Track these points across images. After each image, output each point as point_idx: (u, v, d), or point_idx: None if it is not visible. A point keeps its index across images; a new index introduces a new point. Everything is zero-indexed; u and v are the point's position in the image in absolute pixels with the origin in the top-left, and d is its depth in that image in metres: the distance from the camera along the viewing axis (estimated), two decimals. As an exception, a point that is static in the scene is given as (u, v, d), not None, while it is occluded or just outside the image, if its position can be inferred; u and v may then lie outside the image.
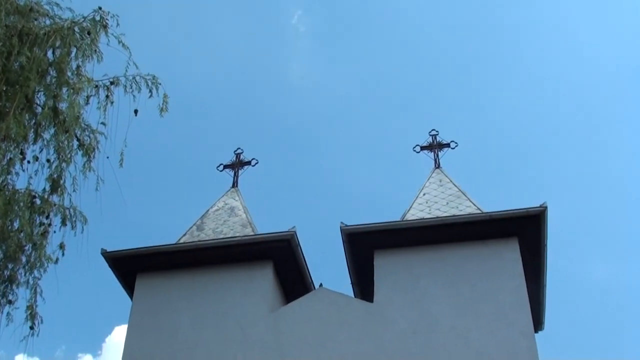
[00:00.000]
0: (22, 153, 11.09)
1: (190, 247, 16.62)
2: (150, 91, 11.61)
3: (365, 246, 15.90)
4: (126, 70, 11.54)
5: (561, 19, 44.99)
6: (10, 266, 11.46)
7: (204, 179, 37.08)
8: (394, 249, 15.79)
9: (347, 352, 14.60)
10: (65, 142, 11.17)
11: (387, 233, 15.85)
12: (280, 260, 16.25)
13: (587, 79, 44.40)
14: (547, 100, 44.53)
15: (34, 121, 11.01)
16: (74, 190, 11.55)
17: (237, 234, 16.96)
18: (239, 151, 19.68)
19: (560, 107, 44.02)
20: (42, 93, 11.04)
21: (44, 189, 11.35)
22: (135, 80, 11.59)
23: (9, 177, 11.00)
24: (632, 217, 40.17)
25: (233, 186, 19.24)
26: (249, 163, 19.52)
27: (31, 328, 11.46)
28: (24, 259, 11.53)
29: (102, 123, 11.45)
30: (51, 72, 10.98)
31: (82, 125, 11.49)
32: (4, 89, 10.32)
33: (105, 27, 11.42)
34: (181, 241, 17.21)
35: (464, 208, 16.53)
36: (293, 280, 16.71)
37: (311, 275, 16.94)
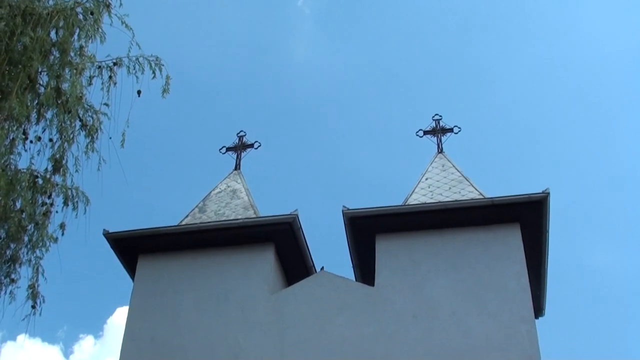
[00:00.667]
0: (24, 133, 11.09)
1: (192, 229, 16.64)
2: (154, 72, 11.59)
3: (367, 230, 15.91)
4: (129, 51, 11.53)
5: (565, 4, 44.86)
6: (12, 246, 11.49)
7: (207, 161, 37.11)
8: (395, 234, 15.80)
9: (347, 335, 14.64)
10: (68, 123, 11.17)
11: (389, 217, 15.86)
12: (281, 243, 16.28)
13: (591, 64, 44.27)
14: (552, 86, 44.49)
15: (36, 101, 11.00)
16: (76, 171, 11.57)
17: (239, 217, 16.97)
18: (241, 134, 19.66)
19: (565, 92, 43.96)
20: (44, 73, 11.02)
21: (46, 169, 11.37)
22: (139, 61, 11.58)
23: (11, 157, 11.02)
24: (635, 206, 40.19)
25: (235, 169, 19.24)
26: (251, 146, 19.51)
27: (33, 307, 11.51)
28: (26, 239, 11.56)
29: (105, 104, 11.47)
30: (54, 53, 10.96)
31: (85, 105, 11.49)
32: (7, 68, 10.31)
33: (108, 7, 11.40)
34: (183, 223, 17.23)
35: (466, 193, 16.52)
36: (294, 263, 16.74)
37: (312, 258, 16.98)
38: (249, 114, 41.23)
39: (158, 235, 16.55)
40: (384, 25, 45.50)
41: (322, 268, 16.28)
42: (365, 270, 16.42)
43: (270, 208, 18.96)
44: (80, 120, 11.41)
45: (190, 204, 18.25)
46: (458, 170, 17.57)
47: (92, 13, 11.18)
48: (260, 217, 16.87)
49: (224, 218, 17.07)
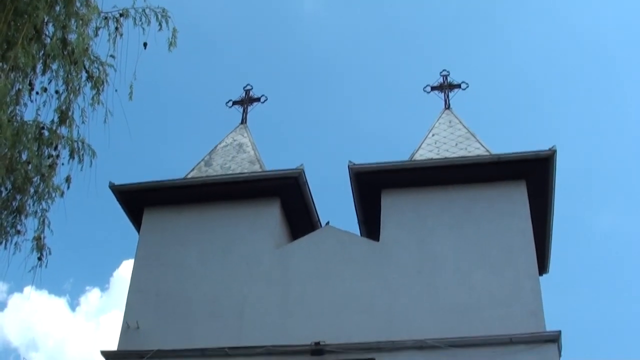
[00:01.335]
0: (30, 84, 11.02)
1: (198, 182, 16.66)
2: (160, 24, 11.47)
3: (372, 185, 15.91)
4: (134, 2, 11.43)
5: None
6: (18, 197, 11.49)
7: (213, 114, 36.98)
8: (401, 189, 15.81)
9: (351, 289, 14.73)
10: (74, 74, 11.09)
11: (395, 173, 15.85)
12: (287, 197, 16.30)
13: (600, 22, 43.84)
14: (560, 43, 44.14)
15: (42, 52, 10.92)
16: (82, 122, 11.51)
17: (245, 171, 16.98)
18: (248, 87, 19.59)
19: (574, 49, 43.63)
20: (50, 24, 10.93)
21: (52, 120, 11.31)
22: (145, 13, 11.45)
23: (17, 108, 10.97)
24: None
25: (242, 122, 19.21)
26: (258, 100, 19.45)
27: (39, 259, 11.53)
28: (32, 191, 11.56)
29: (111, 55, 11.35)
30: (60, 3, 10.86)
31: (91, 57, 11.39)
32: (13, 19, 10.22)
33: (113, -43, 11.27)
34: (189, 176, 17.25)
35: (472, 150, 16.48)
36: (300, 217, 16.78)
37: (318, 213, 17.03)
38: (256, 67, 41.06)
39: (164, 188, 16.58)
40: (392, -21, 45.06)
41: (328, 223, 16.33)
42: (370, 226, 16.45)
43: (276, 162, 19.02)
44: (87, 71, 11.32)
45: (196, 157, 18.28)
46: (465, 127, 17.51)
47: (97, -37, 11.06)
48: (266, 171, 16.88)
49: (229, 172, 17.08)
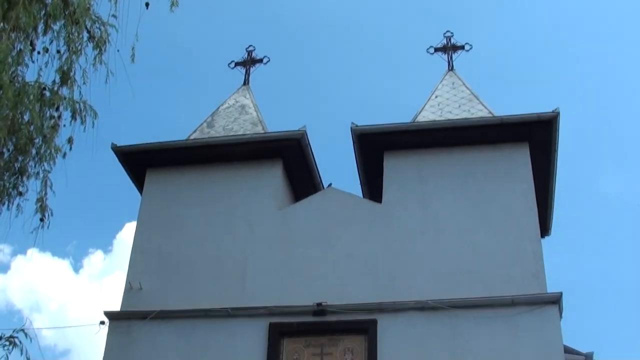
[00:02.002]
0: (31, 44, 10.97)
1: (200, 143, 16.64)
2: (162, -16, 11.40)
3: (375, 147, 15.88)
4: (136, -38, 11.32)
5: None
6: (20, 158, 11.49)
7: (215, 75, 36.83)
8: (404, 151, 15.79)
9: (354, 251, 14.78)
10: (76, 34, 11.03)
11: (397, 134, 15.81)
12: (289, 159, 16.28)
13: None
14: (564, 2, 43.79)
15: (43, 12, 10.85)
16: (84, 83, 11.47)
17: (247, 132, 16.95)
18: (250, 48, 19.45)
19: (578, 10, 43.27)
20: (51, -17, 10.85)
21: (54, 81, 11.27)
22: (146, -28, 11.37)
23: (19, 68, 10.93)
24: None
25: (244, 84, 19.11)
26: (260, 61, 19.32)
27: (41, 220, 11.56)
28: (34, 152, 11.55)
29: (113, 15, 11.29)
30: (60, -37, 10.77)
31: (93, 17, 11.32)
32: (13, -22, 10.15)
33: None
34: (191, 137, 17.21)
35: (475, 111, 16.42)
36: (302, 179, 16.78)
37: (320, 175, 17.02)
38: (259, 28, 40.79)
39: (166, 150, 16.56)
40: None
41: (330, 185, 16.34)
42: (373, 188, 16.46)
43: (279, 124, 18.93)
44: (88, 31, 11.27)
45: (198, 118, 18.22)
46: (468, 89, 17.44)
47: None
48: (269, 132, 16.85)
49: (232, 133, 17.04)
